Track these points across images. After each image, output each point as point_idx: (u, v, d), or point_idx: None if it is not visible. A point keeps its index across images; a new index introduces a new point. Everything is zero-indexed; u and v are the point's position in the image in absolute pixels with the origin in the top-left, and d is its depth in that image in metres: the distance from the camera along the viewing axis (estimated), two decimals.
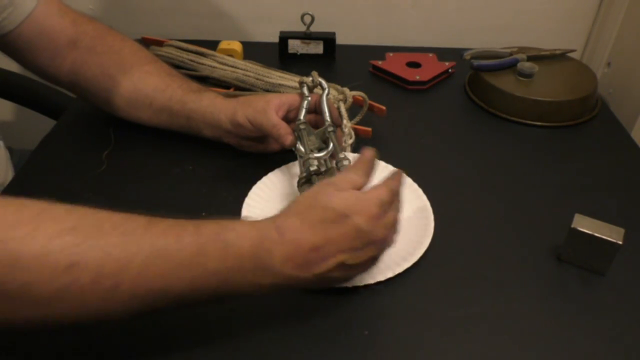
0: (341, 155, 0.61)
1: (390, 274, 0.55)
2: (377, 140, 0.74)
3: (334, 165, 0.61)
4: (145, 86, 0.69)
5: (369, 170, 0.51)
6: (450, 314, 0.53)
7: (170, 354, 0.48)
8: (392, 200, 0.49)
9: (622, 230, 0.54)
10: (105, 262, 0.38)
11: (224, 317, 0.51)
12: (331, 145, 0.62)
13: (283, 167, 0.68)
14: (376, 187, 0.49)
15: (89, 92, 0.72)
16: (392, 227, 0.49)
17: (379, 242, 0.48)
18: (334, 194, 0.47)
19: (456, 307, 0.53)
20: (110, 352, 0.48)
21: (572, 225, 0.55)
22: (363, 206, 0.47)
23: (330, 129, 0.63)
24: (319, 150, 0.62)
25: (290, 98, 0.66)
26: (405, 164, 0.69)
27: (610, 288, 0.56)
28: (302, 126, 0.64)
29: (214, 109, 0.66)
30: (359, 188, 0.49)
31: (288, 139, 0.62)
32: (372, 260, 0.49)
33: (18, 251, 0.36)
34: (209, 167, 0.70)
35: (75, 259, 0.37)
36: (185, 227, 0.43)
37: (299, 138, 0.63)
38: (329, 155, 0.62)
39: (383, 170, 0.68)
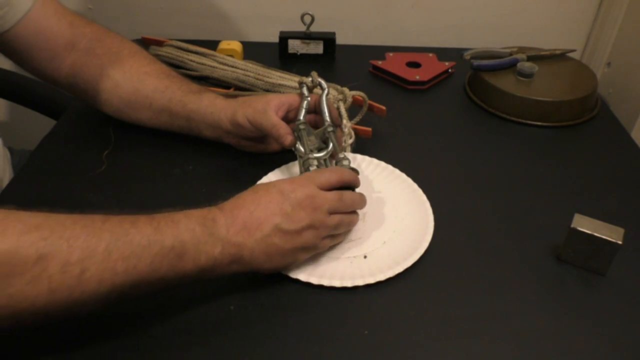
0: (341, 155, 0.61)
1: (390, 274, 0.55)
2: (377, 140, 0.74)
3: (333, 165, 0.61)
4: (145, 87, 0.69)
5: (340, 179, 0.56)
6: (450, 314, 0.52)
7: (169, 354, 0.48)
8: (323, 179, 0.55)
9: (622, 230, 0.54)
10: (71, 252, 0.41)
11: (224, 315, 0.51)
12: (331, 145, 0.62)
13: (283, 167, 0.68)
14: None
15: (88, 94, 0.72)
16: (324, 199, 0.53)
17: (307, 207, 0.52)
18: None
19: (456, 307, 0.53)
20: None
21: (572, 225, 0.55)
22: (289, 179, 0.55)
23: (330, 129, 0.63)
24: (319, 150, 0.62)
25: (290, 98, 0.66)
26: (405, 164, 0.69)
27: (610, 288, 0.56)
28: (301, 126, 0.64)
29: (214, 109, 0.67)
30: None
31: (288, 139, 0.62)
32: (313, 231, 0.52)
33: None
34: (209, 167, 0.70)
35: (44, 252, 0.40)
36: (138, 216, 0.47)
37: (298, 138, 0.63)
38: (328, 155, 0.62)
39: (383, 170, 0.68)
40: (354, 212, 0.58)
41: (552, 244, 0.60)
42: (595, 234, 0.54)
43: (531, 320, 0.52)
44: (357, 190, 0.59)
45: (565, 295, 0.55)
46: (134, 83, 0.69)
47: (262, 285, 0.54)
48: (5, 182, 0.71)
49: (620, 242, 0.54)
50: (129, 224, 0.45)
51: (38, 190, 0.66)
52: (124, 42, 0.73)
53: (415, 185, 0.65)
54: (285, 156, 0.68)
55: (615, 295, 0.55)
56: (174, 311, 0.51)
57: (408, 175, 0.67)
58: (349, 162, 0.60)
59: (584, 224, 0.55)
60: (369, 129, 0.74)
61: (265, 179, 0.66)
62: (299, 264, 0.55)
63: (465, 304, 0.54)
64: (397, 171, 0.68)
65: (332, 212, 0.54)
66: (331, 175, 0.55)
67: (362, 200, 0.59)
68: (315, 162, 0.60)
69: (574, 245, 0.56)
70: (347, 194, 0.56)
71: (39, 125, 0.83)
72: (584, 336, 0.51)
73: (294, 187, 0.52)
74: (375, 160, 0.69)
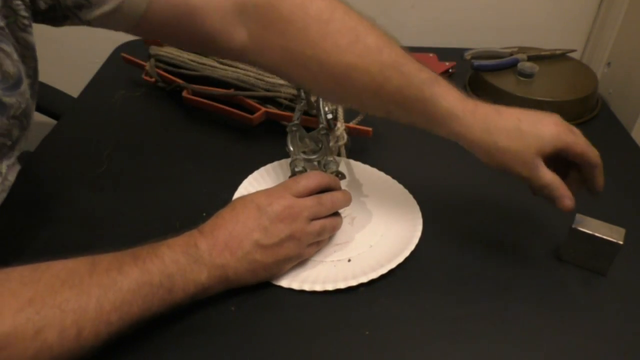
0: (329, 158, 0.60)
1: (373, 276, 0.54)
2: (377, 140, 0.74)
3: (321, 166, 0.61)
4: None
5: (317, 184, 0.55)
6: (451, 314, 0.52)
7: (169, 354, 0.48)
8: (300, 187, 0.54)
9: (622, 230, 0.54)
10: (64, 317, 0.41)
11: (225, 316, 0.51)
12: (323, 148, 0.62)
13: (275, 163, 0.68)
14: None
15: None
16: (302, 207, 0.52)
17: (286, 219, 0.51)
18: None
19: (457, 307, 0.53)
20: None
21: (573, 225, 0.55)
22: (266, 191, 0.53)
23: (323, 131, 0.64)
24: (314, 153, 0.62)
25: (569, 138, 0.54)
26: (405, 164, 0.69)
27: (611, 288, 0.56)
28: (294, 128, 0.64)
29: (463, 139, 0.55)
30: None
31: (567, 202, 0.52)
32: (294, 241, 0.52)
33: None
34: (208, 167, 0.70)
35: (40, 325, 0.40)
36: (123, 258, 0.46)
37: (289, 138, 0.63)
38: (321, 158, 0.62)
39: (372, 176, 0.68)
40: (338, 215, 0.57)
41: (552, 244, 0.60)
42: (596, 234, 0.54)
43: (531, 320, 0.52)
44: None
45: (565, 295, 0.55)
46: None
47: (262, 286, 0.54)
48: None
49: (621, 242, 0.54)
50: (115, 272, 0.45)
51: (38, 190, 0.66)
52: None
53: (406, 191, 0.64)
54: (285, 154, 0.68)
55: (615, 295, 0.55)
56: (175, 312, 0.51)
57: (407, 174, 0.67)
58: (337, 164, 0.60)
59: (584, 224, 0.55)
60: (369, 128, 0.73)
61: (256, 174, 0.66)
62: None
63: (465, 304, 0.54)
64: (388, 177, 0.67)
65: (313, 218, 0.53)
66: (308, 181, 0.55)
67: (344, 198, 0.57)
68: (302, 163, 0.60)
69: (574, 245, 0.56)
70: (325, 196, 0.55)
71: (39, 125, 0.82)
72: (584, 336, 0.51)
73: (270, 200, 0.52)
74: (368, 167, 0.69)
